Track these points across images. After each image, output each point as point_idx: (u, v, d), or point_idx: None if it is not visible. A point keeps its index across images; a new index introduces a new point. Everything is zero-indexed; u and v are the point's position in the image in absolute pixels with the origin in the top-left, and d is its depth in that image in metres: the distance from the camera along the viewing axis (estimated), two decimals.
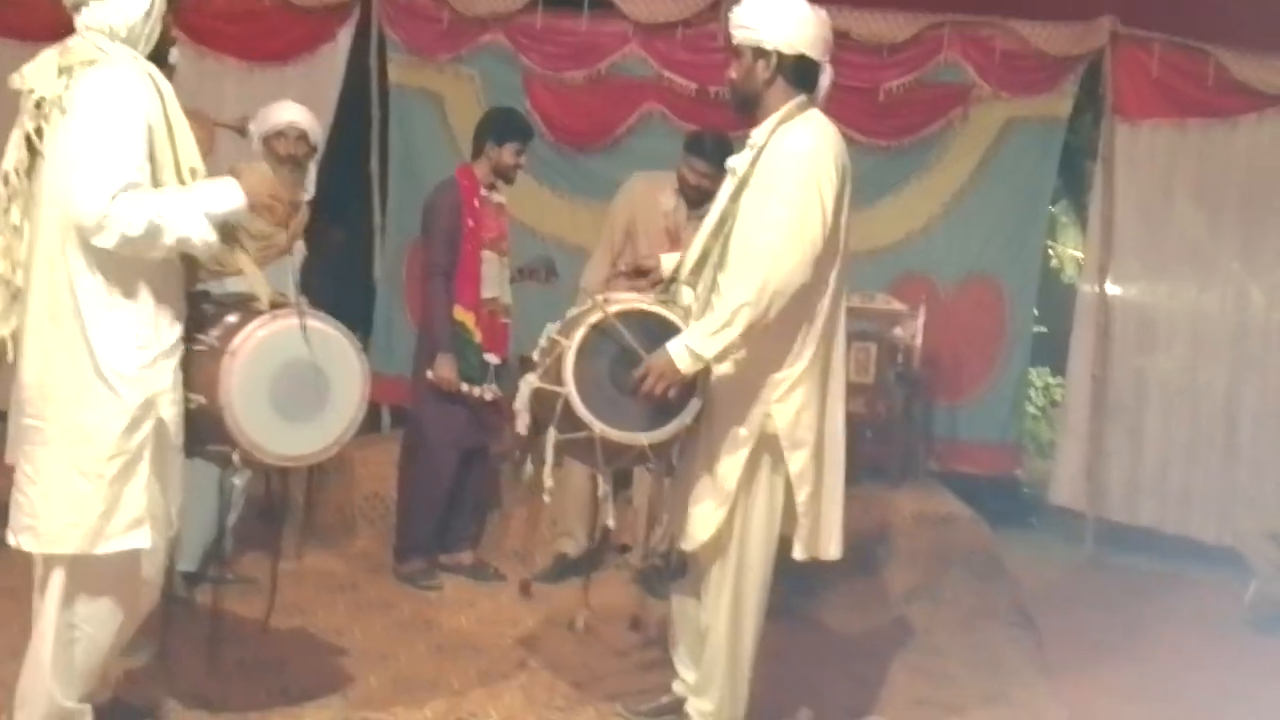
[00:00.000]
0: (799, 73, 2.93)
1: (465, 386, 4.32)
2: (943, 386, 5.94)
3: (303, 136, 4.15)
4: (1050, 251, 9.12)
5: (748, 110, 3.00)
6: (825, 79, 2.99)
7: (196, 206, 2.57)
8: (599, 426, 2.87)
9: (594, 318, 2.94)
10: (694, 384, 2.88)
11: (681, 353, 2.80)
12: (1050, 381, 9.19)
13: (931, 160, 5.91)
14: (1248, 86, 5.56)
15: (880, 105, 5.81)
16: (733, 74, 3.01)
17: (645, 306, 3.01)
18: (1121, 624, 4.81)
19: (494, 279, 4.40)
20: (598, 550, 4.65)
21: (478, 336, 4.35)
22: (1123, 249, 5.91)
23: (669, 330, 2.91)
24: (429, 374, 4.34)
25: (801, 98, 2.96)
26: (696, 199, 4.34)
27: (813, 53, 2.93)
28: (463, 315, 4.34)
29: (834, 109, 5.76)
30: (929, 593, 4.78)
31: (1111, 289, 5.95)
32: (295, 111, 4.19)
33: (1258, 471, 5.61)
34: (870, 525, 4.84)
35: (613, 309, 2.95)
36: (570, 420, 2.90)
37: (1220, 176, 5.73)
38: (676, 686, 3.22)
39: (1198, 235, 5.81)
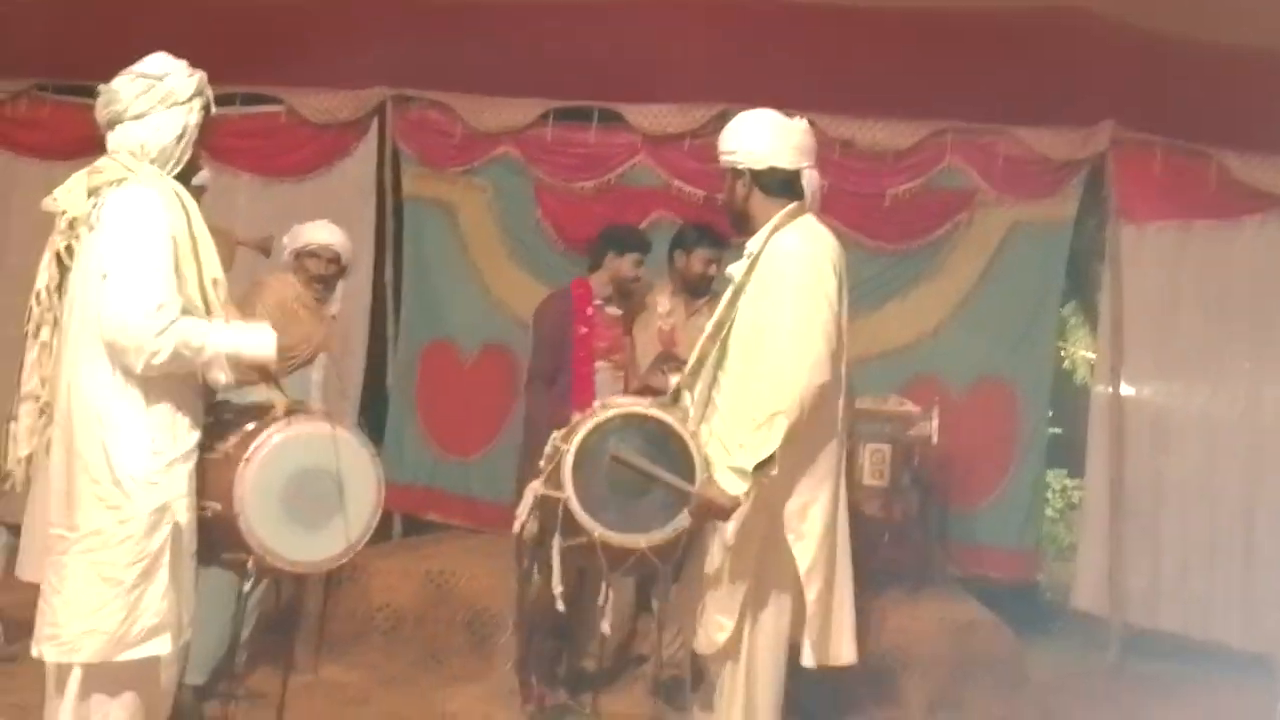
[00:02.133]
0: (775, 183, 3.06)
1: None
2: (958, 490, 5.88)
3: (335, 259, 4.21)
4: (1062, 353, 9.14)
5: (740, 227, 3.14)
6: (811, 182, 3.10)
7: (226, 346, 2.62)
8: (598, 530, 2.89)
9: (592, 422, 3.00)
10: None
11: (728, 477, 2.83)
12: (1068, 484, 9.12)
13: (939, 263, 5.95)
14: (1250, 188, 5.62)
15: (886, 210, 5.89)
16: (722, 195, 3.18)
17: (644, 410, 3.07)
18: None
19: (607, 388, 4.35)
20: (615, 663, 4.56)
21: None
22: (1134, 350, 5.91)
23: (667, 433, 2.96)
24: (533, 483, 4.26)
25: (792, 205, 3.05)
26: (704, 288, 4.41)
27: (782, 163, 3.05)
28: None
29: (840, 213, 5.97)
30: (953, 702, 4.67)
31: (1125, 390, 5.93)
32: (330, 233, 4.25)
33: (1278, 572, 5.51)
34: (890, 631, 4.75)
35: (609, 413, 3.01)
36: (572, 525, 2.92)
37: (1227, 277, 5.76)
38: None
39: (1208, 335, 5.80)
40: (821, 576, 2.92)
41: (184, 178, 2.74)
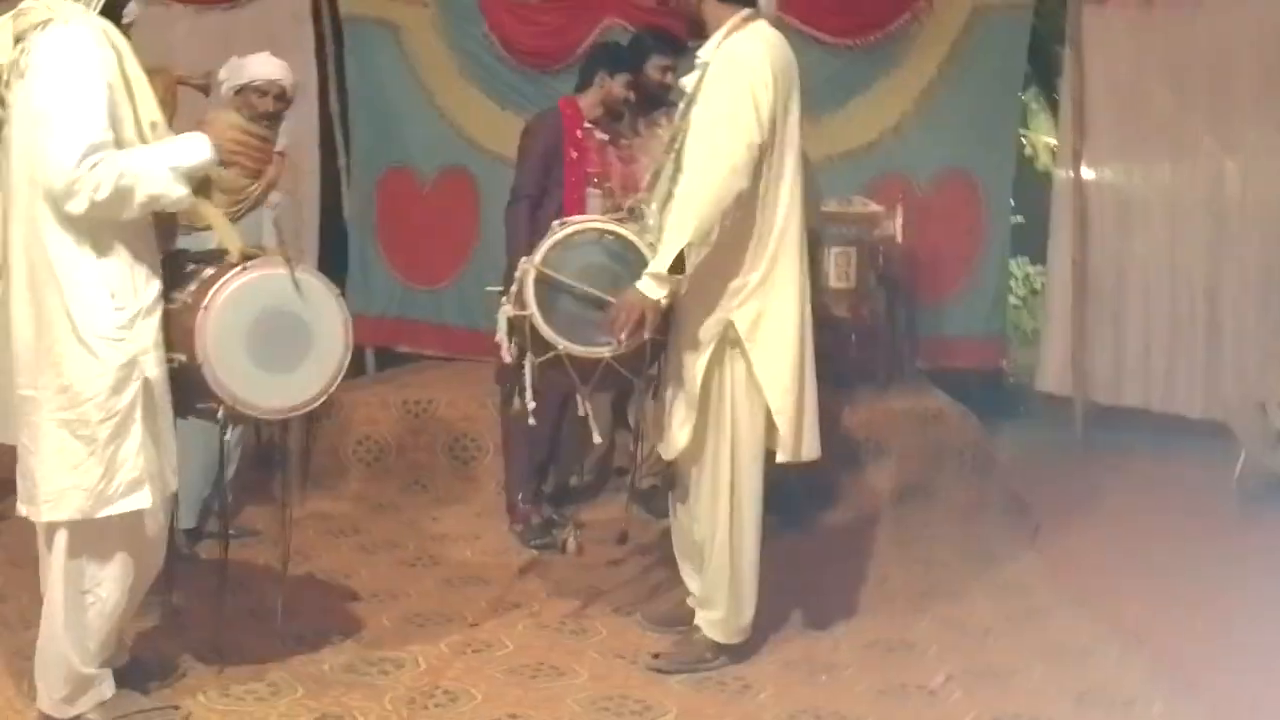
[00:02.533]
0: None
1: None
2: (924, 285, 5.94)
3: (281, 94, 4.02)
4: (1024, 140, 9.07)
5: (696, 32, 3.09)
6: None
7: (164, 162, 2.53)
8: (563, 344, 2.97)
9: (551, 240, 3.05)
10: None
11: (646, 281, 2.89)
12: (1030, 271, 9.22)
13: (899, 56, 5.83)
14: None
15: (843, 2, 5.72)
16: (683, 14, 3.12)
17: (600, 224, 3.11)
18: (1115, 504, 4.90)
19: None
20: (596, 477, 4.69)
21: None
22: (1096, 133, 5.89)
23: (625, 245, 3.01)
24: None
25: (746, 11, 3.02)
26: (661, 97, 4.26)
27: None
28: None
29: (796, 9, 5.78)
30: (923, 490, 4.84)
31: (1086, 174, 5.94)
32: (273, 66, 4.02)
33: (1241, 344, 5.65)
34: (860, 427, 4.89)
35: (568, 229, 3.06)
36: (540, 342, 3.00)
37: (1188, 55, 5.68)
38: (689, 599, 3.28)
39: (1169, 115, 5.77)
40: (790, 379, 3.00)
41: (112, 12, 2.60)
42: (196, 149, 2.60)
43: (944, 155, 5.89)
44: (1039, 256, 7.29)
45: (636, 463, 4.46)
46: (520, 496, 4.32)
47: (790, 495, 4.25)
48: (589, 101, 4.24)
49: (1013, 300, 8.35)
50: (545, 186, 4.16)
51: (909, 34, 5.79)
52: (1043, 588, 3.82)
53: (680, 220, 2.86)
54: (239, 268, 2.67)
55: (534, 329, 2.99)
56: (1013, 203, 6.32)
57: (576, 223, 3.14)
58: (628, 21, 5.66)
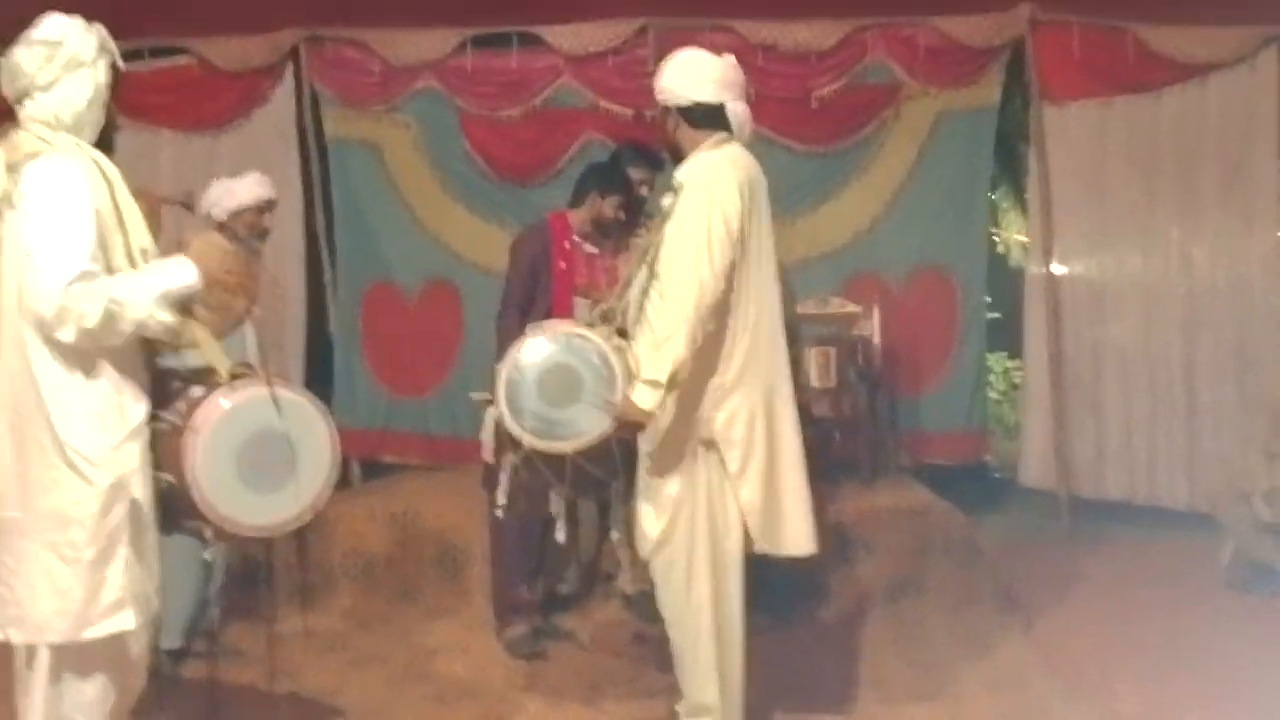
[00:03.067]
0: (702, 116, 3.18)
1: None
2: (904, 380, 6.01)
3: (269, 205, 4.14)
4: (995, 238, 9.27)
5: (678, 161, 3.24)
6: (737, 115, 3.20)
7: (151, 288, 2.57)
8: (526, 438, 3.09)
9: (521, 344, 3.21)
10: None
11: (642, 391, 2.97)
12: (1009, 365, 9.32)
13: (868, 160, 6.00)
14: (1167, 59, 5.71)
15: (813, 112, 5.90)
16: (664, 141, 3.33)
17: (570, 329, 3.24)
18: (1105, 595, 4.88)
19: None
20: (584, 584, 4.67)
21: None
22: (1065, 228, 6.03)
23: (596, 350, 3.12)
24: None
25: (720, 135, 3.17)
26: (638, 207, 4.40)
27: (704, 97, 3.17)
28: None
29: (768, 119, 5.96)
30: (914, 585, 4.83)
31: (1058, 268, 6.07)
32: (267, 186, 4.17)
33: (1220, 432, 5.71)
34: (848, 523, 4.89)
35: (539, 334, 3.20)
36: (511, 439, 3.13)
37: (1150, 147, 5.86)
38: (678, 705, 3.25)
39: (1135, 206, 5.93)
40: (758, 481, 3.08)
41: (104, 140, 2.69)
42: (181, 274, 2.63)
43: (917, 253, 6.02)
44: (1017, 351, 7.39)
45: (623, 566, 4.51)
46: (509, 605, 4.31)
47: (778, 590, 4.26)
48: (580, 218, 4.35)
49: (993, 395, 8.43)
50: (533, 295, 4.25)
51: (878, 140, 5.97)
52: (1038, 683, 3.79)
53: (672, 334, 2.96)
54: (226, 388, 2.70)
55: (501, 425, 3.13)
56: (988, 299, 6.44)
57: (548, 326, 3.28)
58: (607, 135, 5.82)
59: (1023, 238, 8.48)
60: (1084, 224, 6.02)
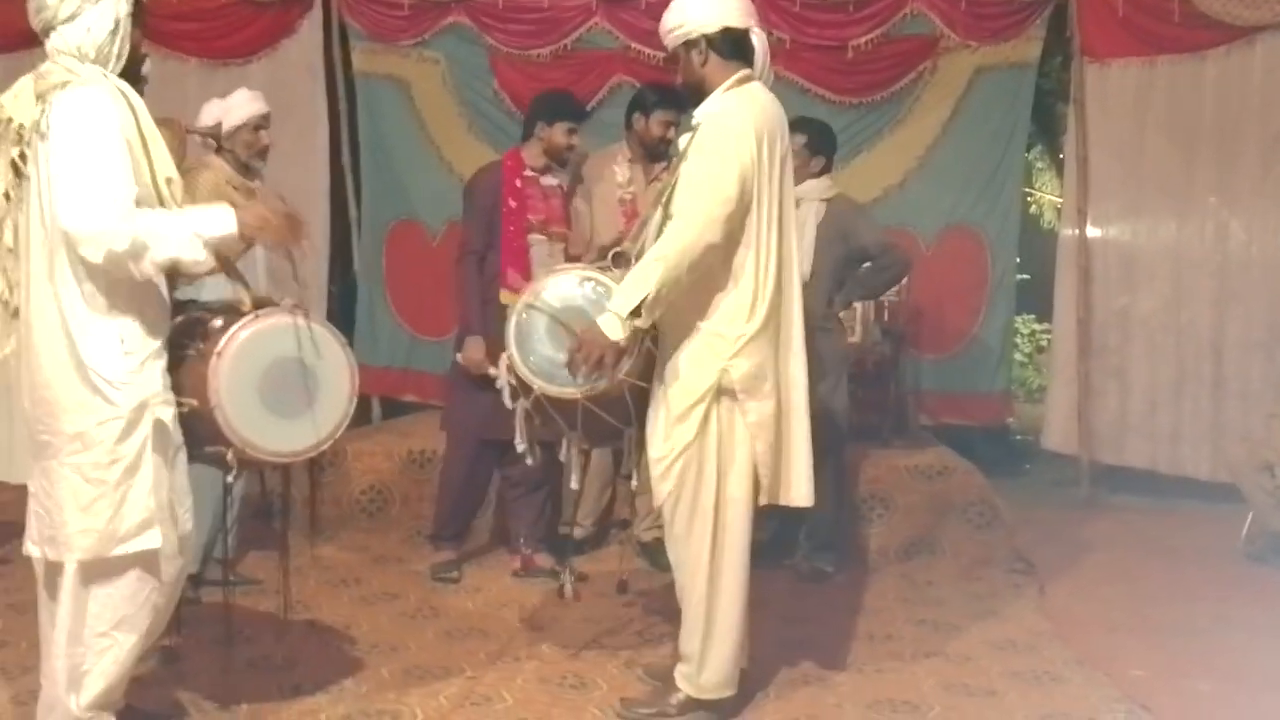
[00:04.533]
0: (730, 45, 3.06)
1: (494, 371, 4.22)
2: (930, 340, 5.96)
3: (264, 121, 4.06)
4: (1029, 198, 9.14)
5: (697, 102, 3.10)
6: (760, 44, 3.09)
7: (189, 228, 2.58)
8: (537, 384, 3.05)
9: (537, 285, 3.17)
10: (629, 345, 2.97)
11: (608, 319, 2.92)
12: (1036, 328, 9.25)
13: (903, 114, 5.91)
14: (1214, 20, 5.57)
15: (848, 62, 5.81)
16: (680, 78, 3.16)
17: (584, 271, 3.18)
18: (1120, 562, 4.85)
19: (545, 263, 4.23)
20: (597, 530, 4.69)
21: None
22: (1100, 190, 5.93)
23: (607, 291, 3.06)
24: (458, 357, 4.29)
25: (742, 72, 3.06)
26: (662, 151, 4.38)
27: (734, 22, 3.05)
28: (508, 299, 4.14)
29: (802, 68, 5.87)
30: (928, 545, 4.82)
31: (1091, 231, 5.98)
32: (262, 101, 4.08)
33: (1246, 403, 5.65)
34: (866, 481, 4.88)
35: (549, 277, 3.16)
36: (524, 386, 3.09)
37: (1192, 111, 5.74)
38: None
39: (1173, 171, 5.82)
40: (771, 430, 3.02)
41: (131, 71, 2.69)
42: (223, 221, 2.64)
43: (948, 212, 5.94)
44: (1045, 314, 7.32)
45: (639, 513, 4.51)
46: (521, 543, 4.40)
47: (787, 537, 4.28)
48: (531, 152, 4.31)
49: (1019, 357, 8.37)
50: (492, 241, 4.24)
51: (913, 93, 5.88)
52: (1048, 649, 3.77)
53: (648, 268, 2.89)
54: (250, 315, 2.72)
55: (514, 370, 3.10)
56: (1018, 260, 6.36)
57: (561, 270, 3.22)
58: (635, 79, 5.75)
59: (1056, 199, 8.36)
60: (1119, 187, 5.92)
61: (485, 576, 4.45)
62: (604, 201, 4.51)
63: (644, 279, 2.88)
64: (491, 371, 4.14)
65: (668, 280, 2.87)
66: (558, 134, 4.27)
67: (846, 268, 4.48)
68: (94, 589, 2.60)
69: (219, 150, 4.01)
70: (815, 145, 4.50)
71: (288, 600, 3.30)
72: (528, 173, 4.29)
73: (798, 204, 4.50)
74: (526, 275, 4.13)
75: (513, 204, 4.23)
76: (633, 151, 4.53)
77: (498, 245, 4.22)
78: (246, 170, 4.03)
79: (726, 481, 3.02)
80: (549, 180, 4.34)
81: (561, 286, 3.15)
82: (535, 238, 4.25)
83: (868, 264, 4.46)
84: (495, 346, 3.62)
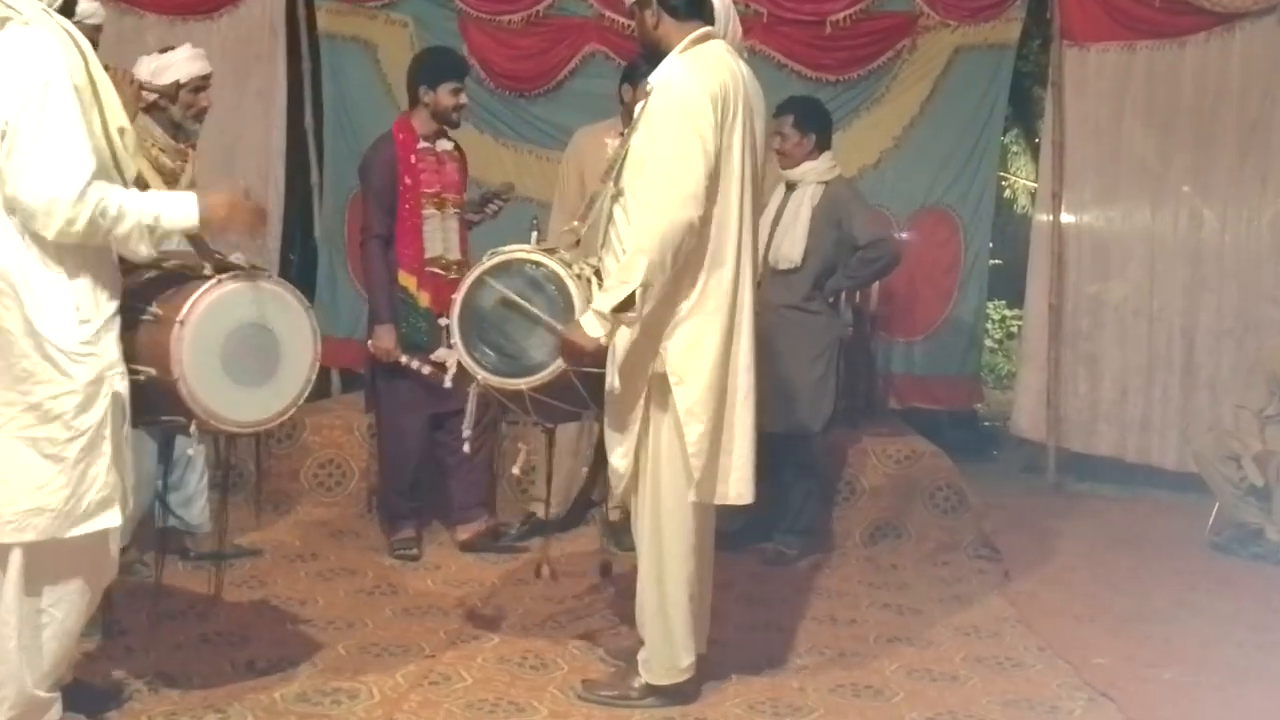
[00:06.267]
0: (685, 3, 2.92)
1: (405, 359, 4.12)
2: (901, 323, 5.92)
3: (205, 82, 3.80)
4: (1003, 183, 9.12)
5: (651, 60, 2.98)
6: (719, 1, 2.95)
7: (148, 215, 2.46)
8: (481, 374, 3.03)
9: (477, 271, 3.08)
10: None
11: (590, 320, 2.82)
12: (1007, 314, 9.25)
13: (880, 93, 5.84)
14: (1195, 6, 5.54)
15: (827, 38, 5.73)
16: (638, 39, 3.03)
17: (523, 254, 3.08)
18: (1086, 550, 4.84)
19: (439, 236, 4.15)
20: (570, 511, 4.61)
21: (424, 300, 4.12)
22: (1075, 176, 5.90)
23: (547, 275, 3.01)
24: (370, 344, 4.19)
25: (700, 30, 2.91)
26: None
27: None
28: (405, 279, 4.13)
29: (779, 43, 5.78)
30: (894, 529, 4.79)
31: (1065, 216, 5.95)
32: (202, 59, 3.82)
33: (1215, 392, 5.65)
34: (833, 464, 4.82)
35: (492, 260, 3.07)
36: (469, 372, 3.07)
37: (1170, 98, 5.71)
38: None
39: (1149, 158, 5.80)
40: (707, 420, 2.86)
41: (69, 11, 2.52)
42: (184, 211, 2.53)
43: (922, 193, 5.88)
44: (1016, 300, 7.29)
45: (606, 497, 4.43)
46: (395, 513, 4.37)
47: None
48: (421, 118, 4.18)
49: (989, 343, 8.35)
50: (392, 222, 4.14)
51: (891, 71, 5.81)
52: (1011, 635, 3.75)
53: (631, 262, 2.76)
54: (213, 279, 2.61)
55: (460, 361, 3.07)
56: (991, 244, 6.32)
57: (504, 253, 3.10)
58: (609, 49, 5.64)
59: (1031, 183, 8.34)
60: (1095, 173, 5.89)
61: (445, 554, 4.36)
62: (597, 177, 4.39)
63: (628, 274, 2.75)
64: (403, 360, 4.09)
65: (654, 270, 2.74)
66: (444, 96, 4.12)
67: (838, 253, 4.40)
68: (42, 571, 2.46)
69: (150, 109, 3.70)
70: (804, 123, 4.39)
71: (221, 576, 3.30)
72: (421, 145, 4.15)
73: (793, 187, 4.45)
74: (420, 253, 4.08)
75: (408, 180, 4.11)
76: (623, 122, 4.40)
77: (394, 225, 4.12)
78: (178, 131, 3.78)
79: (661, 474, 2.92)
80: (443, 144, 4.20)
81: (497, 272, 3.05)
82: (429, 211, 4.13)
83: (859, 252, 4.38)
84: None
